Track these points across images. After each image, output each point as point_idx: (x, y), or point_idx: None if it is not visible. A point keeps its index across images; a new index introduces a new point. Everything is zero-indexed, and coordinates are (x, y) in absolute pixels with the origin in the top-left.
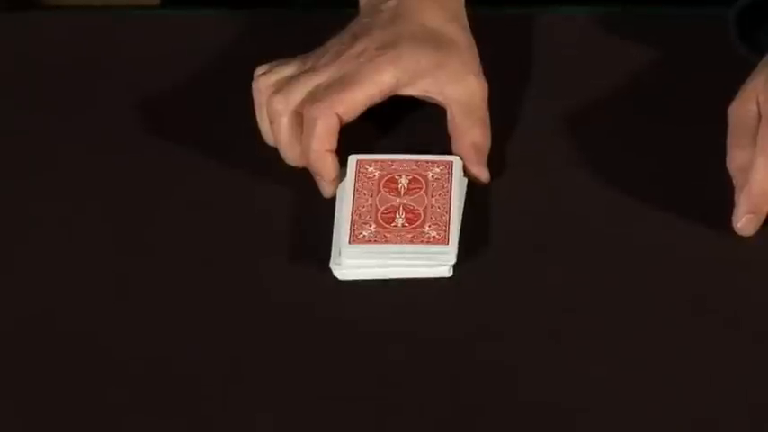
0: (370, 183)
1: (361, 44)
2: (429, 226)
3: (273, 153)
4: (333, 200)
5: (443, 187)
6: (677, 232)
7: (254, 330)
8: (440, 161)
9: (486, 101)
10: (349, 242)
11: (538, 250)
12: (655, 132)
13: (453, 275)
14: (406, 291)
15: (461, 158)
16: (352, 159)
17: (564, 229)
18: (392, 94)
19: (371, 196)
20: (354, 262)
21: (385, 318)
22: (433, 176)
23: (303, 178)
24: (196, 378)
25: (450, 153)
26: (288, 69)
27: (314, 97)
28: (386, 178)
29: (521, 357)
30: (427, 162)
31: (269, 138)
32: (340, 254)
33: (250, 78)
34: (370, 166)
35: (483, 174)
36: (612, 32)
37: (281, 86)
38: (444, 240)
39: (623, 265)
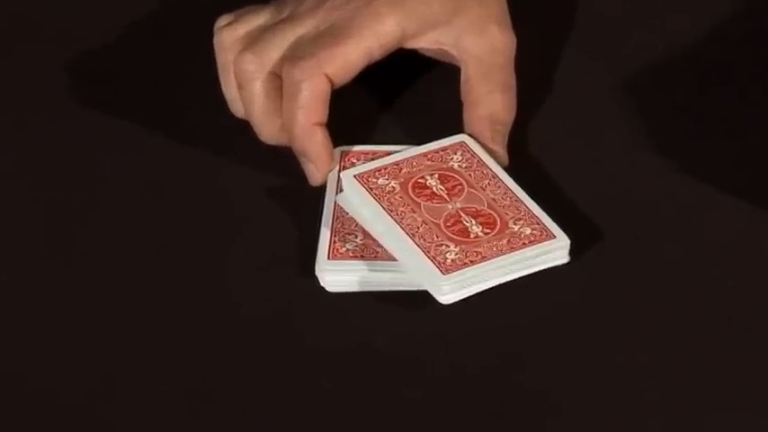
0: (398, 197)
1: None
2: (515, 223)
3: (243, 126)
4: (322, 189)
5: (484, 174)
6: (759, 227)
7: (219, 346)
8: (450, 146)
9: (512, 60)
10: (444, 273)
11: (592, 242)
12: (736, 105)
13: None
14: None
15: (473, 135)
16: (349, 175)
17: (623, 219)
18: (396, 47)
19: (414, 212)
20: (461, 292)
21: (377, 327)
22: (459, 166)
23: (283, 159)
24: (157, 394)
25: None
26: (259, 18)
27: (295, 54)
28: (410, 185)
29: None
30: (437, 152)
31: (237, 108)
32: (439, 290)
33: (211, 31)
34: (377, 178)
35: (501, 155)
36: None
37: (252, 41)
38: (547, 235)
39: (693, 264)
